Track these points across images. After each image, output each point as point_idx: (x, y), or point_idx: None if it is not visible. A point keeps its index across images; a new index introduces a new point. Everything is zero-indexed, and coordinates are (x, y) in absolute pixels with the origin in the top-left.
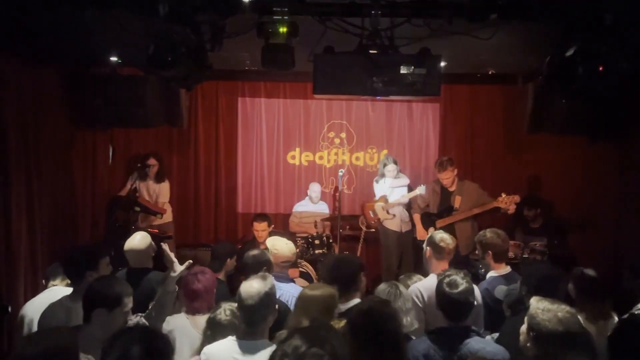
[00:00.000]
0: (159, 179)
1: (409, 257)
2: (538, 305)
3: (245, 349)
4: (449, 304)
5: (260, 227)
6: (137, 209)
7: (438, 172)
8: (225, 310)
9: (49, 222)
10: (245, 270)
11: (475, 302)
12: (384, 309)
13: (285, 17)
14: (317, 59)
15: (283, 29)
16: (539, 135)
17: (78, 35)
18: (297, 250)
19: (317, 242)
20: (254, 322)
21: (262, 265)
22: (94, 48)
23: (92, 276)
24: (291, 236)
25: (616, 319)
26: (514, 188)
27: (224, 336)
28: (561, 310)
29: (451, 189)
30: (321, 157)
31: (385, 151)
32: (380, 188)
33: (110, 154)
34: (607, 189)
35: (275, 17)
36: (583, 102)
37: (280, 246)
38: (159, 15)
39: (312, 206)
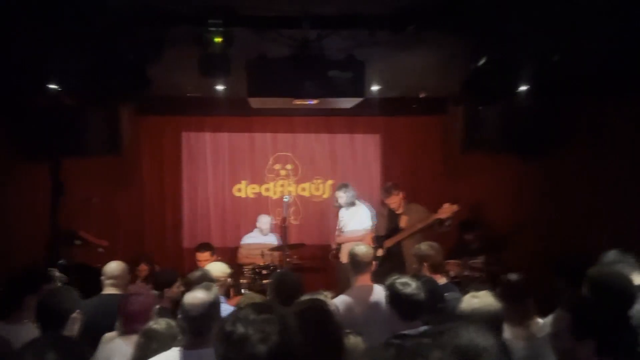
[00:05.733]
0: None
1: None
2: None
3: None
4: (403, 302)
5: (202, 257)
6: (78, 242)
7: (384, 198)
8: (160, 322)
9: None
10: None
11: None
12: (324, 307)
13: (220, 29)
14: (250, 64)
15: (218, 39)
16: (476, 159)
17: (14, 65)
18: (245, 281)
19: (264, 272)
20: (200, 332)
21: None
22: (32, 78)
23: (33, 300)
24: (238, 268)
25: (539, 321)
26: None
27: (159, 343)
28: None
29: (398, 212)
30: (267, 189)
31: (330, 181)
32: (341, 217)
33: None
34: (537, 202)
35: (210, 29)
36: (502, 113)
37: (209, 267)
38: (98, 29)
39: (260, 238)
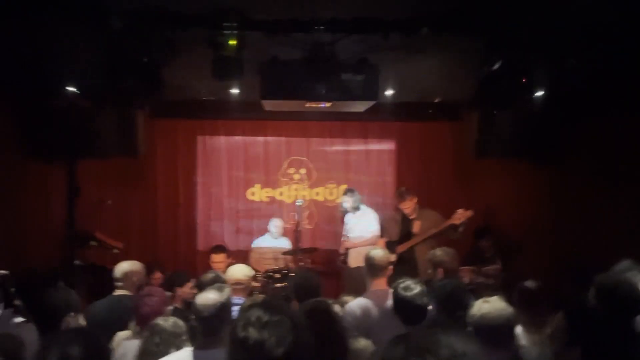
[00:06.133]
0: None
1: None
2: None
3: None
4: (405, 306)
5: (217, 259)
6: (94, 243)
7: (398, 203)
8: (169, 319)
9: None
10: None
11: None
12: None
13: (234, 32)
14: (264, 67)
15: (232, 42)
16: (490, 164)
17: (30, 67)
18: (258, 284)
19: (277, 276)
20: (212, 333)
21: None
22: (49, 79)
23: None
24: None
25: None
26: (472, 219)
27: (161, 339)
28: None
29: (412, 217)
30: (281, 193)
31: (344, 186)
32: (347, 222)
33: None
34: (548, 209)
35: (224, 32)
36: (516, 119)
37: (232, 269)
38: (113, 29)
39: (272, 241)
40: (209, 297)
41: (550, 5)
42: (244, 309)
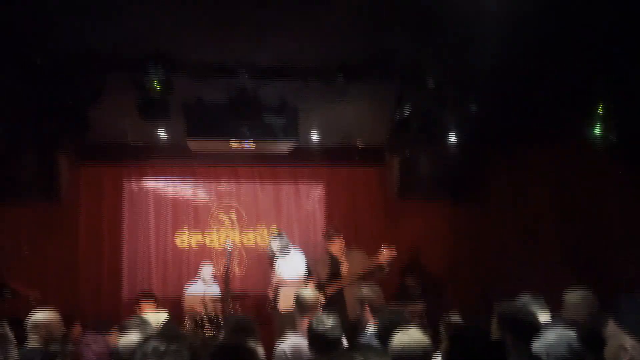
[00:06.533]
0: None
1: None
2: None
3: None
4: (318, 339)
5: (147, 305)
6: (8, 294)
7: (326, 244)
8: None
9: None
10: None
11: None
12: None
13: (161, 75)
14: (189, 107)
15: (158, 84)
16: (411, 206)
17: None
18: (185, 330)
19: (206, 323)
20: None
21: None
22: None
23: None
24: (180, 318)
25: None
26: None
27: None
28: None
29: (340, 258)
30: (212, 240)
31: (274, 229)
32: (276, 266)
33: None
34: (471, 246)
35: (150, 74)
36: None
37: (156, 315)
38: (38, 72)
39: (204, 287)
40: (130, 339)
41: (455, 55)
42: (142, 342)
